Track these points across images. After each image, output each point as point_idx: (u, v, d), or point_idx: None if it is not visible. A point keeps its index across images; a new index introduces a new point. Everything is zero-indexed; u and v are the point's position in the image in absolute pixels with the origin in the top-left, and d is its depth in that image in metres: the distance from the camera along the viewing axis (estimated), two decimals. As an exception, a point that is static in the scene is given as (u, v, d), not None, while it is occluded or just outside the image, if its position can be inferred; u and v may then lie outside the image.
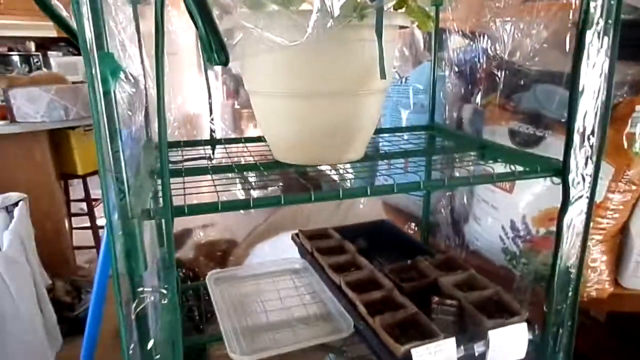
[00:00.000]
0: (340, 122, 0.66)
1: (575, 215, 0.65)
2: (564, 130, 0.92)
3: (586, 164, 0.63)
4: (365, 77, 0.64)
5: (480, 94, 1.07)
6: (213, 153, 0.84)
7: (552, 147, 0.90)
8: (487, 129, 1.04)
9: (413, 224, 1.24)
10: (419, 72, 1.22)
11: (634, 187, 0.86)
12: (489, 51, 1.08)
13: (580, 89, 0.59)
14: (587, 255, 0.90)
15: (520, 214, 0.93)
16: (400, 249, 1.04)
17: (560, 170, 0.63)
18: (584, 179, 0.64)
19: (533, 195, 0.91)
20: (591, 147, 0.63)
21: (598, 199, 0.87)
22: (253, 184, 1.28)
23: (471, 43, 1.14)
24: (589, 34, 0.57)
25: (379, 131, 1.02)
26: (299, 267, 1.00)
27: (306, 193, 0.58)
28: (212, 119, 0.89)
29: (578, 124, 0.60)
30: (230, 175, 0.73)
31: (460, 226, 1.11)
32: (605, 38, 0.58)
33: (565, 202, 0.63)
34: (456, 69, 1.12)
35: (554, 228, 0.92)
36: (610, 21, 0.58)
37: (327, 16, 0.48)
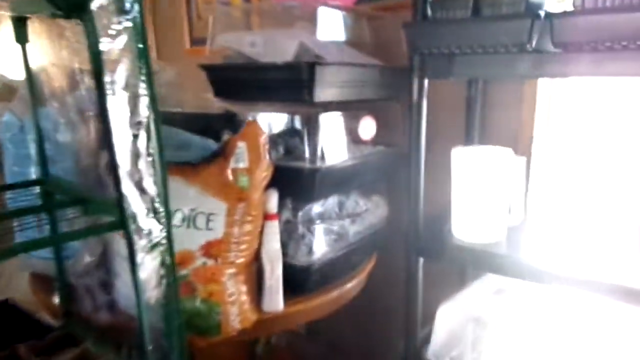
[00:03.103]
0: None
1: (156, 265, 0.61)
2: (181, 172, 0.92)
3: (153, 212, 0.60)
4: None
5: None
6: None
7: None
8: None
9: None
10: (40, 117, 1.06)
11: (249, 218, 0.90)
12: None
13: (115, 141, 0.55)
14: (223, 291, 0.90)
15: (152, 263, 0.88)
16: (25, 333, 0.86)
17: (120, 224, 0.59)
18: (154, 227, 0.61)
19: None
20: (151, 194, 0.60)
21: (218, 235, 0.88)
22: None
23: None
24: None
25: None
26: None
27: None
28: None
29: (124, 175, 0.56)
30: None
31: (108, 286, 0.99)
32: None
33: (132, 253, 0.59)
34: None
35: (186, 272, 0.91)
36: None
37: None
